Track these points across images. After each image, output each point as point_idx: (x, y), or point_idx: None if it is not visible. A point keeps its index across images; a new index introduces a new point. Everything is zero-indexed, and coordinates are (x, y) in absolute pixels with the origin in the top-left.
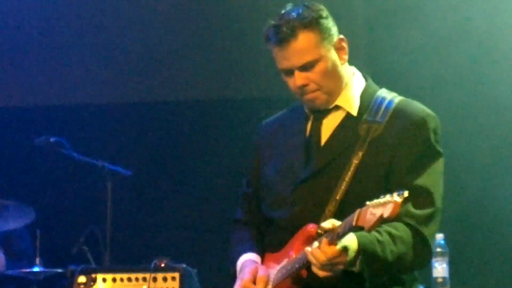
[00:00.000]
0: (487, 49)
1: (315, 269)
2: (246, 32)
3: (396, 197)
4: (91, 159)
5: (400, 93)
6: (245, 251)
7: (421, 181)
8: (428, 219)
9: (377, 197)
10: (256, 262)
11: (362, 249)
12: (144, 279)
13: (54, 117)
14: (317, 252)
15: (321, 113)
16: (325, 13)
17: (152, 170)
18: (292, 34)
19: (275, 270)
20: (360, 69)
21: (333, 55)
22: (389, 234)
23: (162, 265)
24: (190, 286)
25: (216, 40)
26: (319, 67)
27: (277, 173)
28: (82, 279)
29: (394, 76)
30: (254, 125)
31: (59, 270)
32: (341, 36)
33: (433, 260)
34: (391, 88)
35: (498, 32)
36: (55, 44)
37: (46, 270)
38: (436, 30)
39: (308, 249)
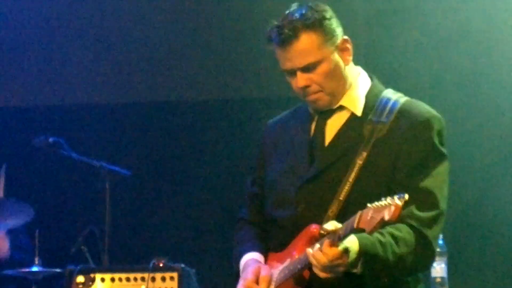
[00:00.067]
0: (486, 49)
1: (316, 271)
2: (245, 32)
3: (397, 200)
4: (89, 159)
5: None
6: (248, 250)
7: (425, 183)
8: (432, 221)
9: (379, 199)
10: (259, 262)
11: (363, 251)
12: (143, 279)
13: (53, 117)
14: (319, 254)
15: (326, 113)
16: (329, 14)
17: (151, 170)
18: (294, 35)
19: (278, 270)
20: None
21: (336, 56)
22: (392, 235)
23: (161, 265)
24: (189, 286)
25: (215, 40)
26: (321, 68)
27: (281, 172)
28: (80, 279)
29: (393, 76)
30: (254, 126)
31: (58, 270)
32: (345, 37)
33: None
34: (390, 88)
35: (497, 32)
36: (54, 44)
37: (45, 269)
38: (435, 30)
39: (309, 250)
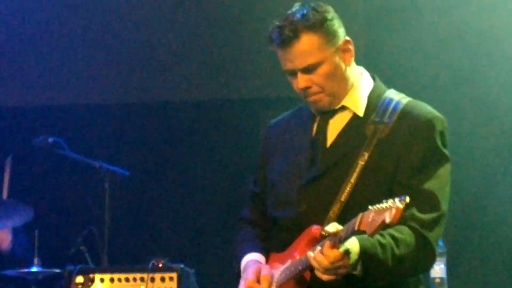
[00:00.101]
0: (485, 49)
1: (318, 274)
2: (245, 32)
3: (398, 203)
4: (89, 159)
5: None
6: (249, 251)
7: (427, 184)
8: (433, 223)
9: (381, 201)
10: (260, 262)
11: (364, 252)
12: (142, 279)
13: (52, 117)
14: (320, 256)
15: (328, 113)
16: (330, 14)
17: (150, 170)
18: (295, 36)
19: (279, 270)
20: None
21: (337, 57)
22: (392, 237)
23: (160, 265)
24: (188, 287)
25: (214, 41)
26: (322, 70)
27: (283, 173)
28: (80, 279)
29: (392, 75)
30: (253, 126)
31: (57, 270)
32: (347, 38)
33: None
34: (391, 88)
35: (496, 32)
36: (54, 44)
37: (44, 270)
38: (434, 30)
39: (310, 253)
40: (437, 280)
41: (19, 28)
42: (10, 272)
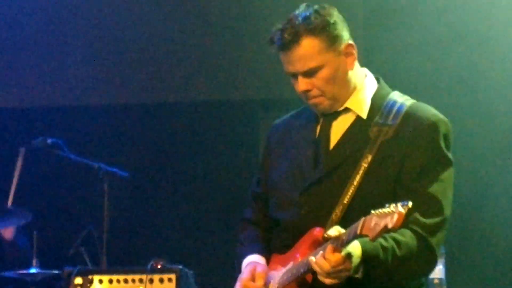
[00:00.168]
0: (483, 50)
1: (321, 278)
2: (243, 34)
3: (400, 208)
4: (88, 160)
5: None
6: (250, 252)
7: (430, 188)
8: (436, 228)
9: (383, 204)
10: (259, 263)
11: (366, 256)
12: (141, 281)
13: (51, 118)
14: (321, 260)
15: (331, 115)
16: (333, 18)
17: (149, 171)
18: (295, 39)
19: (281, 272)
20: None
21: (339, 61)
22: (394, 239)
23: (159, 266)
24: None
25: (213, 42)
26: (322, 74)
27: (286, 174)
28: (78, 280)
29: (390, 76)
30: (251, 127)
31: (56, 272)
32: (350, 42)
33: None
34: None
35: (494, 33)
36: (52, 45)
37: (43, 271)
38: (432, 30)
39: (312, 258)
40: (436, 281)
41: (18, 29)
42: (8, 274)
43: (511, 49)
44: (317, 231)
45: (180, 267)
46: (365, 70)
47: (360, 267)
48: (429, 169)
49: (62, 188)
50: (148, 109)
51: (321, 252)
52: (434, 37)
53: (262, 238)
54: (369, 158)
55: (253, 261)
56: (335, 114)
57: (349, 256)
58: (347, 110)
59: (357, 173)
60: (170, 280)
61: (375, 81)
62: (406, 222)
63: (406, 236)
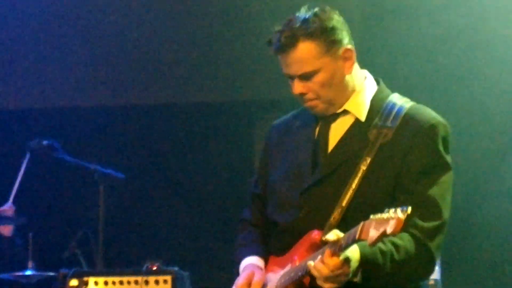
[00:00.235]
0: (479, 51)
1: (319, 282)
2: (239, 35)
3: (400, 214)
4: (83, 162)
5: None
6: (248, 254)
7: (429, 192)
8: (434, 231)
9: (382, 207)
10: (258, 267)
11: (364, 260)
12: (136, 282)
13: (47, 120)
14: (320, 265)
15: (330, 117)
16: (332, 22)
17: (145, 173)
18: (292, 43)
19: (278, 274)
20: None
21: (336, 65)
22: (393, 243)
23: (154, 268)
24: None
25: (209, 43)
26: (318, 78)
27: (284, 176)
28: (74, 282)
29: (386, 77)
30: (247, 128)
31: (51, 274)
32: (348, 47)
33: None
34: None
35: (491, 34)
36: (48, 46)
37: (39, 273)
38: (429, 31)
39: (310, 263)
40: (431, 282)
41: (13, 31)
42: (4, 276)
43: (509, 50)
44: (315, 234)
45: (176, 268)
46: (365, 72)
47: (358, 271)
48: (428, 172)
49: (57, 189)
50: (143, 111)
51: (319, 256)
52: (431, 38)
53: (261, 239)
54: (368, 160)
55: (251, 263)
56: (334, 116)
57: (347, 260)
58: (346, 112)
59: (356, 175)
60: (165, 281)
61: (374, 83)
62: (401, 230)
63: (405, 240)
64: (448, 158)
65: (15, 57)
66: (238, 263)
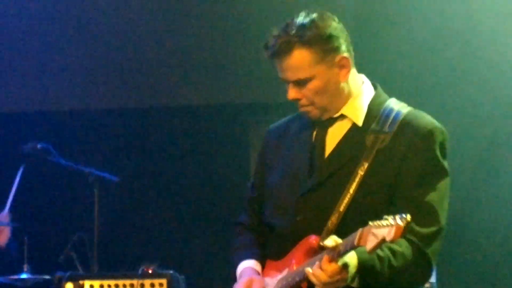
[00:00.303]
0: (474, 52)
1: None
2: (233, 38)
3: (399, 221)
4: (78, 165)
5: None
6: (246, 258)
7: (426, 197)
8: (432, 237)
9: (379, 211)
10: (255, 270)
11: (362, 265)
12: (132, 286)
13: (41, 123)
14: (318, 272)
15: (326, 122)
16: (329, 30)
17: (139, 176)
18: (287, 49)
19: (275, 279)
20: None
21: (331, 73)
22: (390, 249)
23: (150, 271)
24: None
25: (203, 47)
26: (312, 85)
27: (281, 180)
28: (69, 285)
29: (379, 80)
30: (240, 131)
31: (47, 277)
32: (345, 55)
33: None
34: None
35: (485, 37)
36: (42, 50)
37: (34, 277)
38: (422, 35)
39: (309, 270)
40: (427, 285)
41: (7, 35)
42: None
43: (503, 53)
44: (312, 239)
45: (171, 272)
46: (362, 77)
47: (356, 276)
48: (425, 178)
49: (52, 193)
50: (138, 114)
51: (317, 262)
52: (425, 41)
53: (257, 243)
54: (365, 165)
55: (248, 267)
56: (331, 120)
57: (345, 266)
58: (343, 116)
59: (353, 180)
60: (161, 285)
61: (372, 88)
62: (404, 234)
63: (402, 246)
64: (445, 164)
65: (9, 61)
66: (235, 266)
